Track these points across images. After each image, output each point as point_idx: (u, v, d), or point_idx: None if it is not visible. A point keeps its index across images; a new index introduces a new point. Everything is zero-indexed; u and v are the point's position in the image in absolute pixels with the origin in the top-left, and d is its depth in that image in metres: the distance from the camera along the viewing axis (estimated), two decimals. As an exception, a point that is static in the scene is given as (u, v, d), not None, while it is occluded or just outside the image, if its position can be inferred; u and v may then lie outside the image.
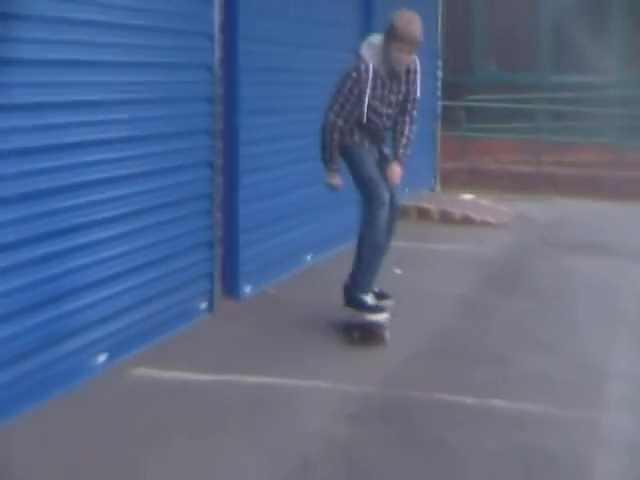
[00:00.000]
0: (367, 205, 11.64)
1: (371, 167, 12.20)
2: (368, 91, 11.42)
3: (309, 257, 17.71)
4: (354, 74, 11.32)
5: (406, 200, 19.79)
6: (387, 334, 11.39)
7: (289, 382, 11.31)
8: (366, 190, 11.92)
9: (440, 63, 24.53)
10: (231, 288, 15.54)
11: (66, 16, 10.89)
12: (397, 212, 12.55)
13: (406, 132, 12.80)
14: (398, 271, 16.34)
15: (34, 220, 10.34)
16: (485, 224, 21.51)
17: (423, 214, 21.67)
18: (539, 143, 26.64)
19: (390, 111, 11.97)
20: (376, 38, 10.91)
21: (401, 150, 12.79)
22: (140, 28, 12.55)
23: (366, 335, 11.72)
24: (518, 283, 17.10)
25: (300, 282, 16.71)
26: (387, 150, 12.71)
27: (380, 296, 12.48)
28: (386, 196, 11.76)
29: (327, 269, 17.06)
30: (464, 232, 20.91)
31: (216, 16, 14.67)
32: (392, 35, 10.84)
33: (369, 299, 11.56)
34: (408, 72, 12.09)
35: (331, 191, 12.43)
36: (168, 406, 10.33)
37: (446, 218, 21.57)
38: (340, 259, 15.22)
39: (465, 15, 26.76)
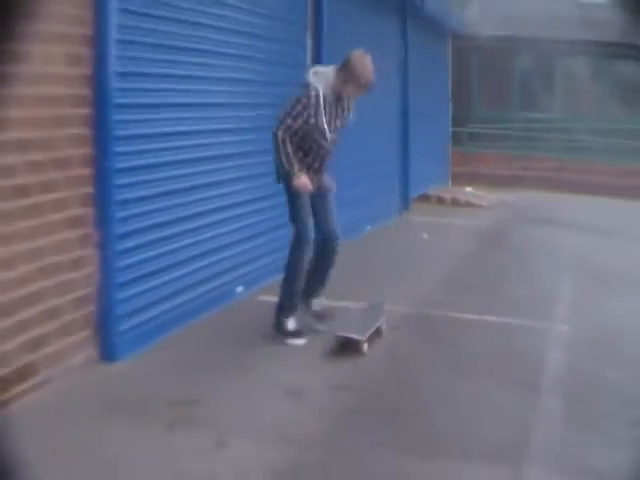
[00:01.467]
0: (294, 239, 9.01)
1: (306, 206, 9.21)
2: (324, 116, 8.82)
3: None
4: (304, 100, 8.75)
5: (429, 191, 21.89)
6: (364, 347, 8.57)
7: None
8: (296, 228, 9.14)
9: (450, 104, 26.07)
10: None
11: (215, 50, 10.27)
12: (336, 244, 9.38)
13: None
14: (425, 236, 16.00)
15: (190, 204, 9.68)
16: (480, 206, 21.76)
17: (440, 200, 21.63)
18: (512, 155, 28.15)
19: (334, 135, 9.19)
20: (321, 68, 8.81)
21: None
22: (256, 60, 11.49)
23: (345, 346, 8.71)
24: (500, 242, 17.55)
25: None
26: (327, 179, 9.48)
27: (318, 317, 9.56)
28: (311, 237, 9.18)
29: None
30: (466, 211, 21.14)
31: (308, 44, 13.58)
32: (351, 76, 8.59)
33: (290, 323, 8.94)
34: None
35: (304, 191, 8.94)
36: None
37: (455, 202, 21.79)
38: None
39: (466, 74, 28.55)
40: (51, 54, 6.81)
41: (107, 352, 7.52)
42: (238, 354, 8.71)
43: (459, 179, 24.45)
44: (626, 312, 11.11)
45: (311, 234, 9.06)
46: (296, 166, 8.82)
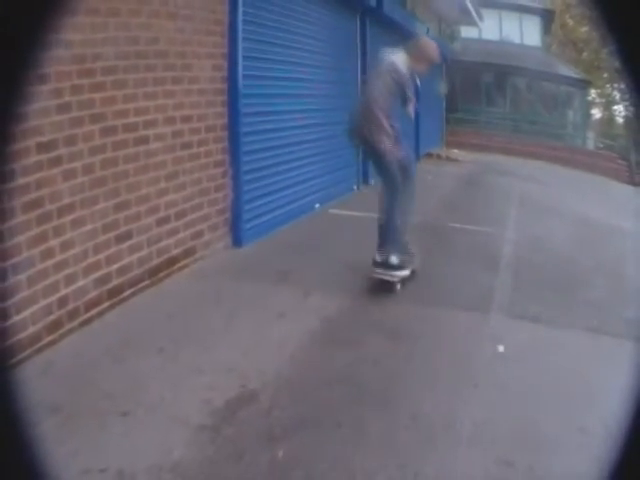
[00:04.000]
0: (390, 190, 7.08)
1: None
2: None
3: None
4: (399, 78, 6.99)
5: (431, 151, 21.03)
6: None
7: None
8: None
9: (444, 101, 25.46)
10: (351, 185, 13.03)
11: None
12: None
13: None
14: (429, 177, 14.97)
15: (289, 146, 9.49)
16: (462, 161, 21.05)
17: (438, 156, 20.93)
18: (481, 132, 28.76)
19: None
20: (393, 52, 7.21)
21: None
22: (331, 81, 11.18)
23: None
24: (473, 182, 16.95)
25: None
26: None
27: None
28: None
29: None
30: (454, 164, 20.51)
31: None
32: (423, 55, 7.18)
33: (394, 258, 6.96)
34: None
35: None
36: (341, 224, 9.71)
37: (447, 158, 21.17)
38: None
39: (454, 83, 27.61)
40: (203, 65, 6.82)
41: (237, 241, 7.59)
42: (318, 241, 8.55)
43: (449, 145, 24.15)
44: (546, 226, 11.69)
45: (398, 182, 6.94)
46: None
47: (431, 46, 7.30)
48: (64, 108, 4.95)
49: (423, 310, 6.57)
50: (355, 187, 12.75)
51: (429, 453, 4.13)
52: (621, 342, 6.26)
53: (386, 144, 6.85)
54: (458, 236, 9.91)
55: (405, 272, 7.01)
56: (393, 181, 6.93)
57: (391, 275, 6.88)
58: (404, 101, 7.07)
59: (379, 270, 6.87)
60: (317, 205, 10.46)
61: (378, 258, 6.91)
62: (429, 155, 20.46)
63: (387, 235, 6.97)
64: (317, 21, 10.68)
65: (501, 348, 5.81)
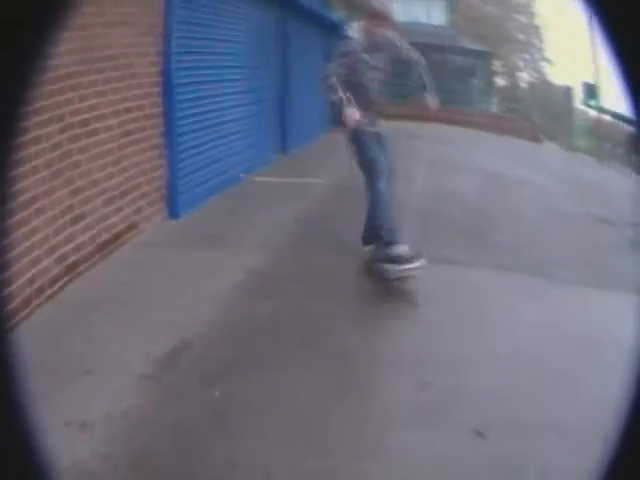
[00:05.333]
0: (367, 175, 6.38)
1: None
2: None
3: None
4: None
5: None
6: None
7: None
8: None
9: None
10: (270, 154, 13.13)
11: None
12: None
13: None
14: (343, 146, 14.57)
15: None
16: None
17: None
18: (393, 103, 25.44)
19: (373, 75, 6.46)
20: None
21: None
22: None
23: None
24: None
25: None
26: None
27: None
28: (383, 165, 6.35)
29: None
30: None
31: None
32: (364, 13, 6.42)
33: (395, 249, 6.22)
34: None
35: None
36: (265, 190, 9.96)
37: None
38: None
39: None
40: (142, 62, 7.15)
41: (174, 213, 7.86)
42: (245, 207, 8.68)
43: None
44: (455, 180, 11.86)
45: (384, 165, 6.25)
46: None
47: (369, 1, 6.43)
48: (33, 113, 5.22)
49: (340, 258, 6.64)
50: (275, 156, 12.75)
51: (355, 382, 4.32)
52: (526, 278, 6.68)
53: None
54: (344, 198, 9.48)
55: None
56: (381, 165, 6.29)
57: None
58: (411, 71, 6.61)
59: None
60: (242, 175, 10.57)
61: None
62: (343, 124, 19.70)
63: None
64: (241, 15, 10.81)
65: (413, 286, 5.98)
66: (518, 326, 5.45)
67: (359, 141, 6.39)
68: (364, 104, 6.31)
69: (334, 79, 6.17)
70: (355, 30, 6.94)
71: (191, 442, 3.62)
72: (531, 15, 42.09)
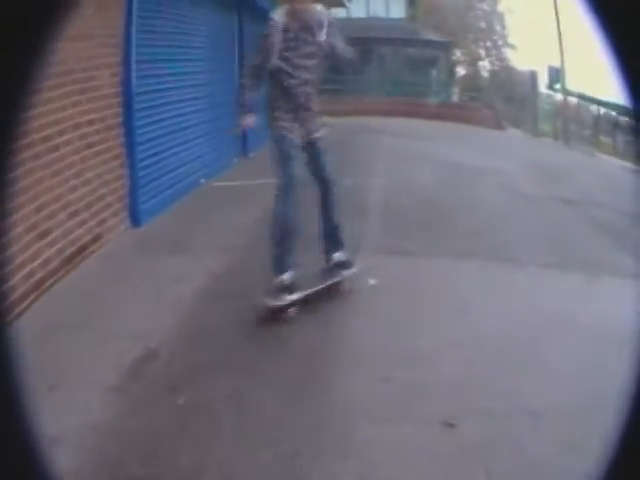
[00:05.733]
0: (278, 190, 5.42)
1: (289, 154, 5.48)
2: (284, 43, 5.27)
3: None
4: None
5: None
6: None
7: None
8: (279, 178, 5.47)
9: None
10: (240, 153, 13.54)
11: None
12: (329, 189, 5.69)
13: None
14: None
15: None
16: (336, 125, 19.38)
17: None
18: (352, 98, 26.93)
19: (306, 70, 5.38)
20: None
21: None
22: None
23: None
24: (347, 142, 15.29)
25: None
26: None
27: (341, 265, 5.83)
28: (294, 186, 5.35)
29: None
30: (329, 128, 18.65)
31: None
32: None
33: (283, 278, 5.43)
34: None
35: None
36: (225, 193, 10.02)
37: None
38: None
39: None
40: (103, 73, 7.26)
41: (136, 222, 7.94)
42: (206, 211, 8.73)
43: (323, 112, 22.14)
44: (415, 172, 12.04)
45: (295, 183, 5.30)
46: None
47: None
48: None
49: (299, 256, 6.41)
50: (235, 160, 12.81)
51: (318, 379, 4.36)
52: (489, 263, 6.69)
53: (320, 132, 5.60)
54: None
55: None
56: (332, 174, 5.66)
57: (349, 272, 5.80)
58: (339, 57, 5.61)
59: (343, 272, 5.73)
60: (203, 180, 10.65)
61: (342, 257, 5.78)
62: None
63: (339, 232, 5.74)
64: (201, 21, 10.89)
65: (372, 281, 5.96)
66: (473, 312, 5.45)
67: (278, 151, 5.47)
68: (290, 104, 5.48)
69: (248, 78, 5.46)
70: (278, 12, 5.31)
71: (159, 452, 3.66)
72: (494, 2, 42.23)
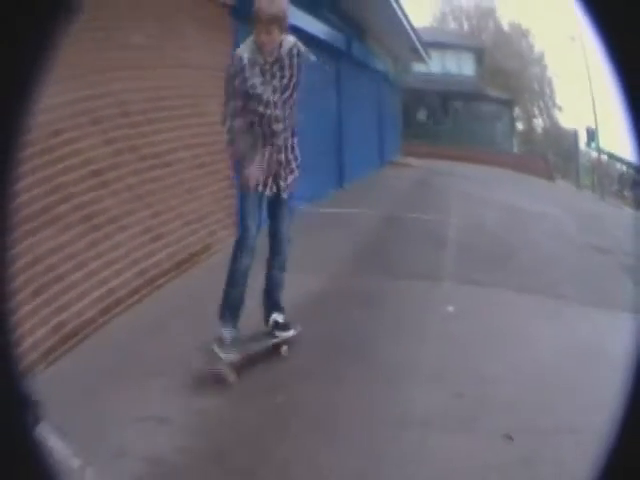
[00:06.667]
0: (234, 244, 4.29)
1: (250, 207, 4.26)
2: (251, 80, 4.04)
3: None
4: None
5: (394, 159, 19.90)
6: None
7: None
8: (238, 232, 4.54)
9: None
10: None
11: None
12: (281, 261, 4.51)
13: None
14: (392, 180, 14.62)
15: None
16: (417, 167, 19.66)
17: (398, 164, 19.68)
18: (430, 143, 26.39)
19: (276, 108, 4.04)
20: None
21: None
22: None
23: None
24: (426, 183, 15.89)
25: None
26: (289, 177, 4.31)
27: (281, 327, 4.51)
28: (251, 244, 4.22)
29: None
30: (411, 169, 19.16)
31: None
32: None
33: (221, 332, 4.24)
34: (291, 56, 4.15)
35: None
36: (324, 218, 9.49)
37: (405, 165, 19.89)
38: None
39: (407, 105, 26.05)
40: (209, 103, 6.85)
41: None
42: (306, 231, 8.26)
43: (406, 154, 22.36)
44: (481, 213, 11.60)
45: (252, 241, 4.23)
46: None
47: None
48: (110, 142, 5.07)
49: (389, 282, 6.40)
50: (331, 190, 12.23)
51: (394, 392, 4.13)
52: (538, 298, 6.47)
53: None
54: (413, 223, 9.71)
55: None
56: (287, 234, 4.52)
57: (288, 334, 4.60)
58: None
59: (279, 332, 4.52)
60: (303, 206, 10.00)
61: (280, 319, 4.55)
62: (390, 162, 19.76)
63: (280, 294, 4.58)
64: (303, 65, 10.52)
65: (450, 308, 5.75)
66: (534, 342, 5.29)
67: (240, 204, 4.41)
68: (262, 148, 4.24)
69: (228, 133, 4.21)
70: (242, 46, 4.17)
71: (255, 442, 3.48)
72: (544, 67, 42.25)
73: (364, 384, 4.22)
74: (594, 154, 30.34)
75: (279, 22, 4.11)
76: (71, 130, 4.86)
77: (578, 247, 10.09)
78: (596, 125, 28.54)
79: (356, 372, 4.36)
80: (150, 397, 3.93)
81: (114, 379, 4.11)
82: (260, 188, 4.24)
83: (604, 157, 29.75)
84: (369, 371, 4.41)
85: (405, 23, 15.80)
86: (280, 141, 4.22)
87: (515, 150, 35.53)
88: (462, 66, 32.91)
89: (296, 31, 8.96)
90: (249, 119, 4.14)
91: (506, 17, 40.60)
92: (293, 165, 4.34)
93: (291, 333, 4.57)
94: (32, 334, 4.27)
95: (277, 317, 4.54)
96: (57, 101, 4.51)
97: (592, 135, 29.02)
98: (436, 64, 29.83)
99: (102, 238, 4.83)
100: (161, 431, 3.62)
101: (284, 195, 4.33)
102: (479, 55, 34.83)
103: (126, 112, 5.25)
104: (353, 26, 13.48)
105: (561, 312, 6.25)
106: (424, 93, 29.74)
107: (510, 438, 3.59)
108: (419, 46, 20.21)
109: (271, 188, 4.29)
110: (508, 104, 34.21)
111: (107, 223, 4.86)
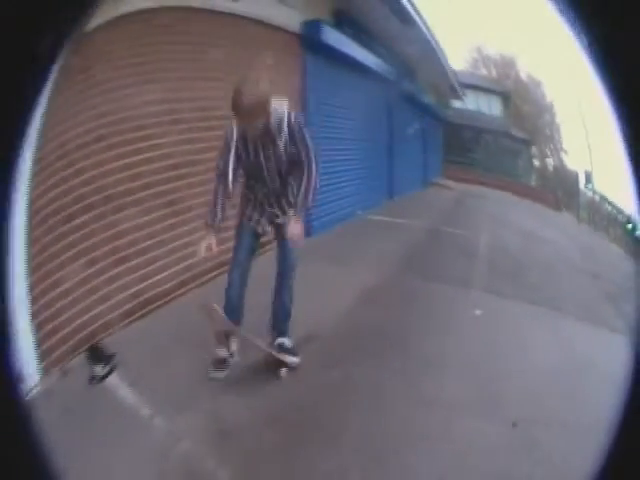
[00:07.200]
0: None
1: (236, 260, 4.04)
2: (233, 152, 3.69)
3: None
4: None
5: (435, 180, 19.74)
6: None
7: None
8: None
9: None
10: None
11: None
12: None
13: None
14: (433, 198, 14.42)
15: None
16: (454, 189, 20.25)
17: (439, 185, 19.91)
18: (464, 170, 24.48)
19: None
20: None
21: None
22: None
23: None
24: (461, 203, 16.84)
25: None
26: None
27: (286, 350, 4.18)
28: (231, 295, 3.97)
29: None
30: (450, 190, 19.66)
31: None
32: None
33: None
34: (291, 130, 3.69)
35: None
36: (376, 226, 9.86)
37: (445, 186, 20.22)
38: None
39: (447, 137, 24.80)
40: None
41: (307, 233, 7.33)
42: (360, 236, 8.72)
43: (446, 177, 22.00)
44: (506, 233, 11.94)
45: (232, 292, 3.95)
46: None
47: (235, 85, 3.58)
48: (189, 141, 5.18)
49: (426, 283, 6.58)
50: (382, 201, 12.36)
51: (426, 378, 4.25)
52: (544, 311, 6.62)
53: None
54: (448, 236, 9.86)
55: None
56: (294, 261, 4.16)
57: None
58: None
59: (283, 355, 4.12)
60: (360, 212, 10.19)
61: (288, 343, 4.21)
62: (432, 184, 19.65)
63: (287, 324, 4.21)
64: (359, 98, 10.58)
65: (478, 312, 5.90)
66: (540, 347, 5.37)
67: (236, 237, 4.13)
68: (256, 213, 4.08)
69: (216, 185, 3.88)
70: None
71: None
72: (553, 115, 42.06)
73: (402, 369, 4.35)
74: (590, 194, 30.90)
75: (263, 108, 3.60)
76: (153, 127, 4.91)
77: (577, 270, 10.22)
78: (592, 170, 29.01)
79: (395, 358, 4.51)
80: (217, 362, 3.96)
81: (186, 344, 4.11)
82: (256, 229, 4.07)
83: (597, 197, 30.30)
84: (406, 358, 4.55)
85: (445, 65, 16.01)
86: (269, 205, 4.03)
87: (532, 183, 35.63)
88: (492, 107, 33.07)
89: (354, 63, 9.14)
90: (243, 187, 4.03)
91: (524, 68, 40.90)
92: (285, 207, 4.04)
93: (295, 360, 4.14)
94: (112, 298, 4.37)
95: (284, 340, 4.20)
96: (143, 100, 4.65)
97: (589, 178, 29.50)
98: (471, 102, 29.92)
99: (180, 223, 4.90)
100: (227, 390, 3.68)
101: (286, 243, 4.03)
102: (505, 99, 35.02)
103: (206, 117, 5.37)
104: (402, 62, 13.61)
105: (560, 324, 6.34)
106: (461, 126, 29.86)
107: (515, 425, 3.74)
108: (457, 86, 20.47)
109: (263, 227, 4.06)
110: (527, 144, 34.43)
111: (185, 211, 4.94)
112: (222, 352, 4.03)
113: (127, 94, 4.78)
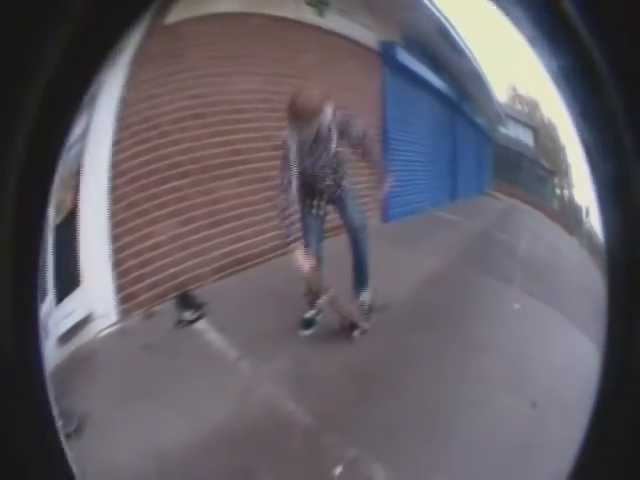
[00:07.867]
0: None
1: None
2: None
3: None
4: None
5: (488, 191, 18.14)
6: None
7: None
8: None
9: None
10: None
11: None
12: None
13: None
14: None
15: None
16: (500, 200, 18.58)
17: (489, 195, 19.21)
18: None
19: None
20: None
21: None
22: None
23: None
24: (505, 211, 14.89)
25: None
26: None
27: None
28: None
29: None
30: (496, 200, 18.58)
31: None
32: None
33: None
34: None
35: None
36: (440, 221, 9.88)
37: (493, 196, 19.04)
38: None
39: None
40: None
41: (384, 219, 7.80)
42: (428, 227, 9.07)
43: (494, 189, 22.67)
44: (538, 242, 11.32)
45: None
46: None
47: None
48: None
49: (474, 274, 6.61)
50: (445, 201, 12.70)
51: (467, 359, 4.30)
52: (546, 307, 6.57)
53: None
54: (495, 238, 9.80)
55: None
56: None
57: None
58: None
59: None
60: (429, 207, 10.16)
61: (367, 302, 4.62)
62: (485, 193, 19.37)
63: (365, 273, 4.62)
64: (428, 116, 10.71)
65: (517, 306, 5.92)
66: (546, 345, 5.32)
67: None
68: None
69: (285, 205, 4.08)
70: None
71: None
72: (566, 155, 43.46)
73: (454, 347, 4.32)
74: (587, 225, 32.40)
75: (316, 115, 3.35)
76: (252, 112, 4.91)
77: (580, 272, 10.11)
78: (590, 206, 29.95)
79: (450, 336, 4.45)
80: (305, 321, 4.00)
81: (276, 300, 4.10)
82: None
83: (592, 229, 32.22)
84: (458, 338, 4.51)
85: (492, 94, 15.93)
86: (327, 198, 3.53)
87: (555, 207, 36.08)
88: (527, 137, 33.23)
89: (422, 81, 9.17)
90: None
91: (545, 112, 42.05)
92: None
93: (367, 326, 3.74)
94: (204, 254, 4.31)
95: (364, 297, 3.80)
96: (240, 88, 4.54)
97: (587, 212, 30.21)
98: (512, 131, 29.89)
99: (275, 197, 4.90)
100: (310, 343, 3.72)
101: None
102: (536, 133, 35.20)
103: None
104: (460, 86, 13.67)
105: (559, 324, 6.40)
106: (507, 149, 29.81)
107: (535, 405, 3.71)
108: (502, 114, 20.45)
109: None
110: (552, 174, 34.71)
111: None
112: (311, 313, 3.86)
113: (224, 81, 4.72)
